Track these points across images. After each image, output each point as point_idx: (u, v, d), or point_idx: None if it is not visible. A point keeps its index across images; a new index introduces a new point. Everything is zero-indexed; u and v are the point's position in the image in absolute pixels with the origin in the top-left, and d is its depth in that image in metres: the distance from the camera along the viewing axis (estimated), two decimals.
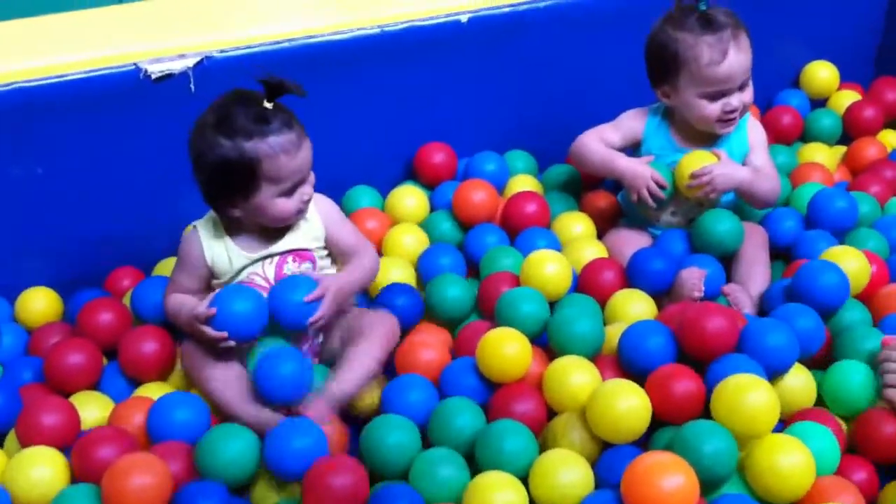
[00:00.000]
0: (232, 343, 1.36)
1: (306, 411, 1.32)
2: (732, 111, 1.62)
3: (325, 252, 1.49)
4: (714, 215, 1.62)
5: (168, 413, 1.34)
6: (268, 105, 1.35)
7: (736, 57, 1.59)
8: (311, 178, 1.42)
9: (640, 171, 1.65)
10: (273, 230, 1.44)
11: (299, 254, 1.46)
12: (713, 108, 1.62)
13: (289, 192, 1.39)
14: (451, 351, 1.51)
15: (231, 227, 1.45)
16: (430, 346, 1.47)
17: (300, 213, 1.43)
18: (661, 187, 1.64)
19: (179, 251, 1.47)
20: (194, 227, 1.46)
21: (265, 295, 1.41)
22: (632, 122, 1.73)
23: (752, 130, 1.71)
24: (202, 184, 1.39)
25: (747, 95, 1.63)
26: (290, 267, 1.45)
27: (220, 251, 1.44)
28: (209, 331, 1.35)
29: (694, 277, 1.52)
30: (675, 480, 1.12)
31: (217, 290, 1.39)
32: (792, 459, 1.20)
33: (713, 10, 1.62)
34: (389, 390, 1.40)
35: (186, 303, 1.43)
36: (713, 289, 1.56)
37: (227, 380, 1.38)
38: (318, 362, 1.48)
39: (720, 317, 1.34)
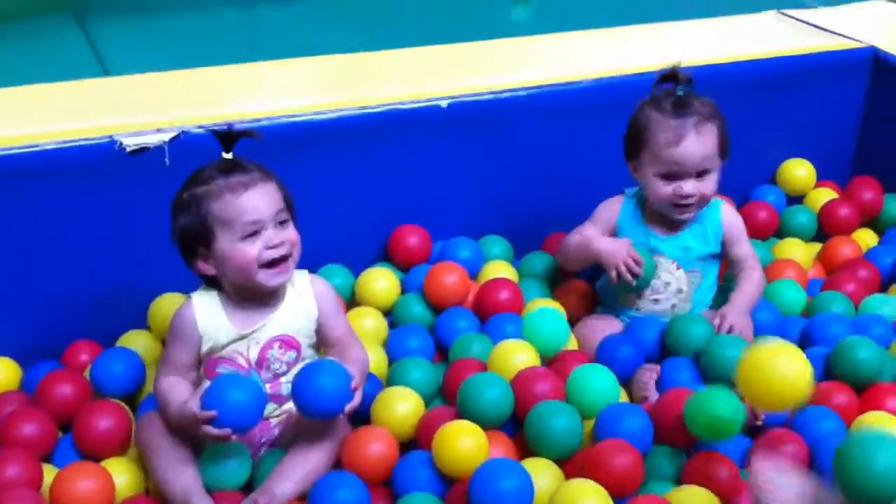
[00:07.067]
0: (234, 437, 1.32)
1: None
2: (685, 196, 1.63)
3: (314, 340, 1.46)
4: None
5: None
6: (226, 155, 1.39)
7: (694, 143, 1.60)
8: (284, 233, 1.38)
9: (616, 247, 1.64)
10: (262, 303, 1.42)
11: (286, 341, 1.43)
12: (665, 190, 1.63)
13: (247, 237, 1.36)
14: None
15: (222, 300, 1.42)
16: (378, 438, 1.41)
17: (268, 264, 1.37)
18: (638, 263, 1.62)
19: (171, 324, 1.43)
20: (188, 297, 1.44)
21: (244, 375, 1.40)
22: (607, 211, 1.73)
23: (727, 216, 1.71)
24: (175, 242, 1.40)
25: (706, 185, 1.63)
26: (275, 353, 1.42)
27: (212, 322, 1.41)
28: (211, 431, 1.30)
29: (644, 378, 1.51)
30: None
31: (208, 384, 1.33)
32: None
33: (692, 97, 1.64)
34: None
35: (174, 395, 1.38)
36: None
37: (178, 469, 1.35)
38: (269, 448, 1.45)
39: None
